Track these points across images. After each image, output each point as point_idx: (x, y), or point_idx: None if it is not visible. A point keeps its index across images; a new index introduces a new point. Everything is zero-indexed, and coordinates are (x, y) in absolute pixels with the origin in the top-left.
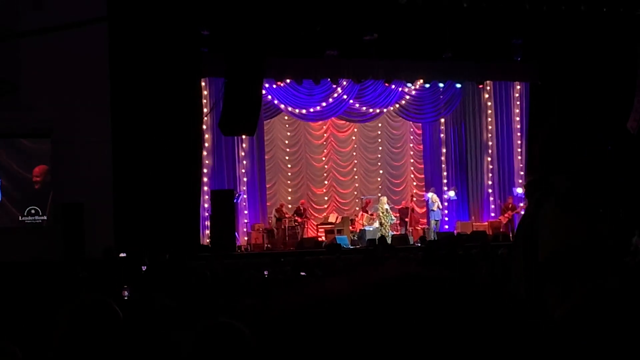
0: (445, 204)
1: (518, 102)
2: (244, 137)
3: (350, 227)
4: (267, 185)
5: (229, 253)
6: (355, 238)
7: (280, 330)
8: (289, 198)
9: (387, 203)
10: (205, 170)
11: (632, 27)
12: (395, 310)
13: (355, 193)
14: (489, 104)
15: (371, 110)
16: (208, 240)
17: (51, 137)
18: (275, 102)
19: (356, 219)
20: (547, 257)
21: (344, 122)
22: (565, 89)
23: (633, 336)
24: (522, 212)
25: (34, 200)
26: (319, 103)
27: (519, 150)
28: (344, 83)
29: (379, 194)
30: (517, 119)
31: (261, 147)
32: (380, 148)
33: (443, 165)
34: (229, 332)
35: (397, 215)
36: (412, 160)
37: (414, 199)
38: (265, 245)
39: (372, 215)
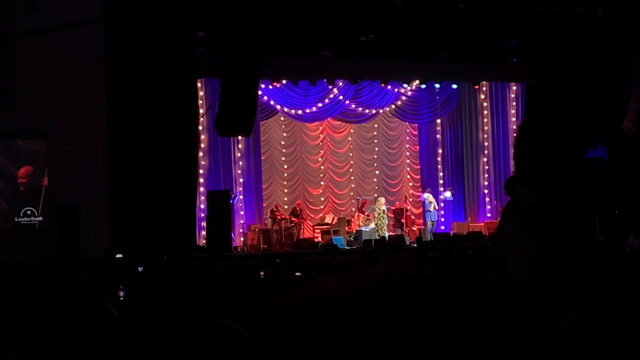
0: (442, 204)
1: (514, 103)
2: (240, 137)
3: (347, 228)
4: (263, 186)
5: (225, 254)
6: (352, 239)
7: (278, 330)
8: (285, 199)
9: (384, 204)
10: (201, 171)
11: (627, 27)
12: (388, 310)
13: (352, 194)
14: (485, 104)
15: (367, 111)
16: (204, 241)
17: (47, 138)
18: (271, 102)
19: (352, 219)
20: (519, 284)
21: (340, 122)
22: (561, 90)
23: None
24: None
25: (27, 201)
26: (315, 104)
27: None
28: (340, 84)
29: (375, 195)
30: (513, 119)
31: (257, 147)
32: (376, 149)
33: (439, 166)
34: (226, 333)
35: (392, 216)
36: (408, 161)
37: (410, 199)
38: (262, 246)
39: (368, 216)
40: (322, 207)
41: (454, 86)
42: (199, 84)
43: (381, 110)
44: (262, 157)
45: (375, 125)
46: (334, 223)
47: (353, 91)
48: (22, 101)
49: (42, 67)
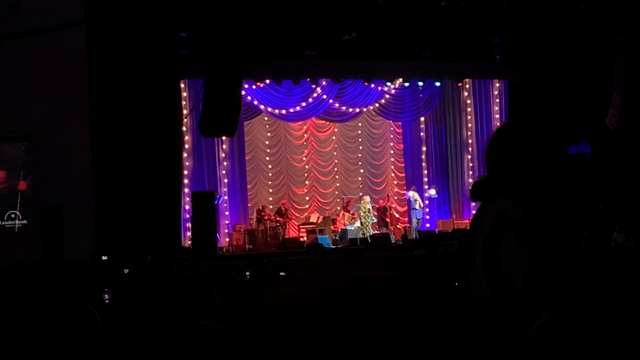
0: (426, 202)
1: (497, 100)
2: (224, 138)
3: (332, 227)
4: (248, 186)
5: (210, 254)
6: (337, 238)
7: (250, 333)
8: (270, 199)
9: (369, 202)
10: (185, 172)
11: (609, 23)
12: (354, 313)
13: (337, 193)
14: (469, 102)
15: (351, 109)
16: (189, 242)
17: (30, 141)
18: (255, 102)
19: (337, 218)
20: (520, 291)
21: (324, 122)
22: (544, 87)
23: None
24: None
25: (10, 205)
26: (299, 103)
27: None
28: (324, 83)
29: (360, 194)
30: (497, 116)
31: (241, 148)
32: (360, 147)
33: (423, 164)
34: (206, 335)
35: (376, 214)
36: (392, 159)
37: (395, 197)
38: (247, 246)
39: (353, 214)
40: (307, 206)
41: (437, 84)
42: (182, 85)
43: (365, 109)
44: (247, 157)
45: (359, 124)
46: (319, 222)
47: (336, 90)
48: (3, 104)
49: (23, 70)
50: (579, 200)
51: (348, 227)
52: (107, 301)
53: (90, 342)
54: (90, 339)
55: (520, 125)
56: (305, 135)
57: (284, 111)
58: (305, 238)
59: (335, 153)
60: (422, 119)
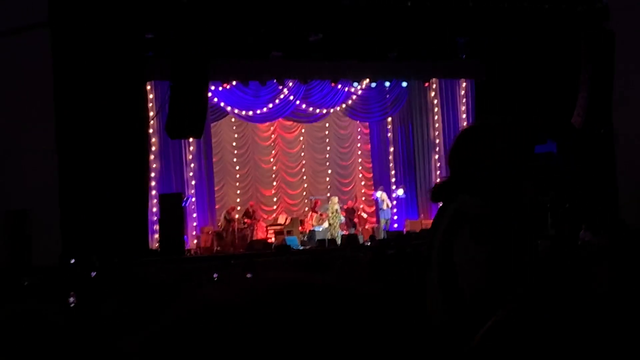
0: (394, 202)
1: (464, 100)
2: (191, 140)
3: (300, 228)
4: (216, 188)
5: (178, 257)
6: (305, 239)
7: (169, 337)
8: (238, 200)
9: (337, 203)
10: (152, 174)
11: (575, 23)
12: (271, 317)
13: (304, 193)
14: (435, 102)
15: (318, 110)
16: (157, 245)
17: None
18: (222, 104)
19: (305, 219)
20: (472, 296)
21: (291, 122)
22: (511, 86)
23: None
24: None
25: None
26: (266, 104)
27: None
28: (290, 84)
29: (328, 194)
30: (464, 116)
31: (209, 149)
32: (328, 148)
33: (391, 164)
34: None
35: (344, 215)
36: (360, 160)
37: (363, 198)
38: (215, 248)
39: (321, 215)
40: (275, 207)
41: (404, 84)
42: (148, 87)
43: (332, 110)
44: (214, 159)
45: (327, 125)
46: (287, 223)
47: (303, 91)
48: None
49: None
50: (537, 201)
51: (316, 228)
52: (72, 305)
53: (47, 346)
54: (46, 343)
55: (483, 126)
56: (272, 136)
57: (250, 112)
58: (273, 239)
59: (302, 154)
60: (390, 119)
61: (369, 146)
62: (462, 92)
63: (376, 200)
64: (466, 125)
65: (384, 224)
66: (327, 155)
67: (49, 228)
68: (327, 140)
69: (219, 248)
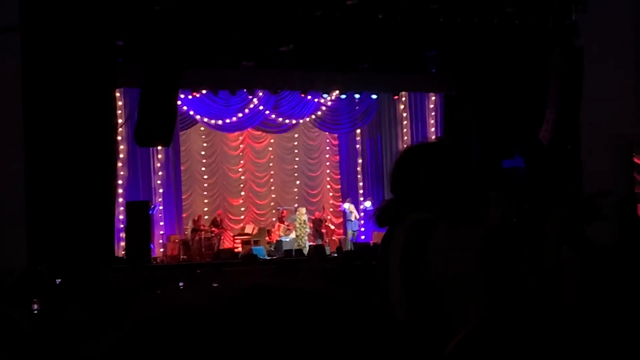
0: (362, 214)
1: (433, 113)
2: (159, 148)
3: (267, 238)
4: (183, 197)
5: (144, 265)
6: (272, 249)
7: (134, 340)
8: (206, 209)
9: (305, 214)
10: (120, 182)
11: (544, 39)
12: (240, 321)
13: (272, 204)
14: (405, 115)
15: (287, 121)
16: (123, 252)
17: None
18: (191, 112)
19: (273, 229)
20: (441, 281)
21: (260, 132)
22: (479, 100)
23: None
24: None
25: None
26: (235, 114)
27: None
28: (260, 94)
29: (296, 205)
30: (432, 129)
31: (177, 158)
32: (296, 159)
33: (359, 176)
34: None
35: (311, 226)
36: (328, 171)
37: (331, 209)
38: (181, 256)
39: (288, 226)
40: (242, 217)
41: (374, 96)
42: (117, 94)
43: (301, 121)
44: (182, 168)
45: (296, 135)
46: (254, 233)
47: (273, 101)
48: None
49: None
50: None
51: (283, 239)
52: (35, 311)
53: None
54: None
55: (423, 147)
56: (241, 146)
57: (220, 122)
58: (240, 249)
59: (271, 164)
60: (359, 131)
61: (338, 157)
62: (432, 106)
63: (344, 211)
64: (404, 148)
65: (351, 236)
66: (296, 166)
67: (14, 234)
68: (296, 151)
69: (185, 257)
